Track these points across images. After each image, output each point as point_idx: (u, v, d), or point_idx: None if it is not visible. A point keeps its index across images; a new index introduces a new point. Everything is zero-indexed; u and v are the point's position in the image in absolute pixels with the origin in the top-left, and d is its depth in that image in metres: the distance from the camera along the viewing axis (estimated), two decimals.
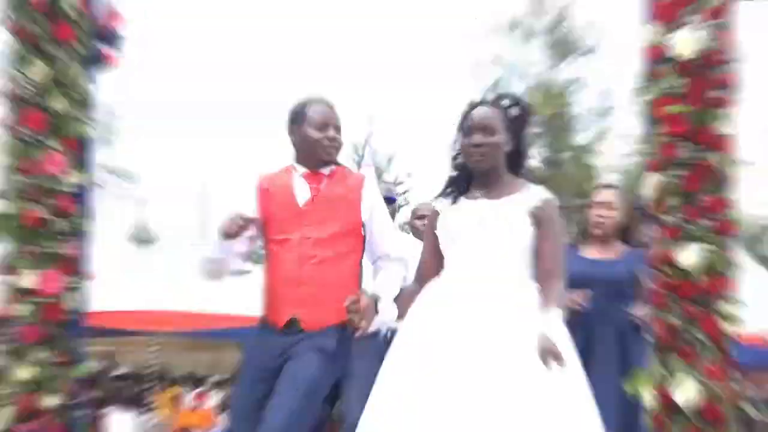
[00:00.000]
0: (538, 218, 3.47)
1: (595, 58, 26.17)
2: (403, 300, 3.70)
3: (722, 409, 3.56)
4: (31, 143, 4.01)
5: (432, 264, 3.63)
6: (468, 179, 3.61)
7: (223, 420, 12.25)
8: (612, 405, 4.01)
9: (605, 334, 4.46)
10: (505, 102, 3.60)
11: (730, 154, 3.66)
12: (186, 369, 16.24)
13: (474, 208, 3.53)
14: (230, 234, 3.64)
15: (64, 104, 4.03)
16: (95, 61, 4.20)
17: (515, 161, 3.61)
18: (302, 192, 3.81)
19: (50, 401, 3.94)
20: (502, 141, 3.51)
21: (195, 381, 15.98)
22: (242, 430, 3.71)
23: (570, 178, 24.70)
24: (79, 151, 4.09)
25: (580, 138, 26.98)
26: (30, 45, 4.03)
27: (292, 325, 3.68)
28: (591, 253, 4.71)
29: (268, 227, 3.84)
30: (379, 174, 5.48)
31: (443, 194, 3.67)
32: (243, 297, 7.61)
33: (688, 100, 3.63)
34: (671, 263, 3.63)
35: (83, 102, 4.11)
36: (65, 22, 4.05)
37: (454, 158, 3.65)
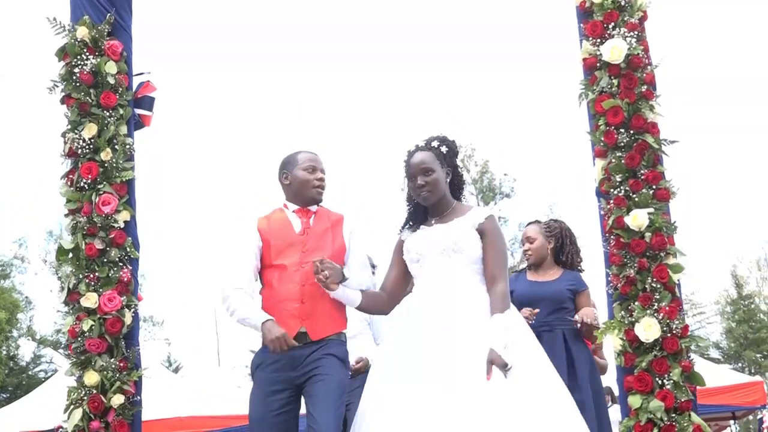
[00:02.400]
0: (482, 232, 4.12)
1: (512, 200, 35.48)
2: (367, 296, 4.26)
3: (678, 340, 4.25)
4: (87, 189, 4.79)
5: (395, 280, 4.29)
6: (425, 211, 4.28)
7: None
8: None
9: (553, 340, 5.10)
10: (435, 143, 4.24)
11: (658, 135, 4.46)
12: None
13: (430, 233, 4.19)
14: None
15: (111, 156, 4.81)
16: (133, 121, 5.02)
17: (455, 188, 4.31)
18: (296, 224, 4.32)
19: (116, 400, 4.58)
20: (440, 177, 4.17)
21: None
22: None
23: None
24: (125, 193, 4.84)
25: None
26: (82, 110, 4.85)
27: (299, 337, 4.15)
28: (534, 277, 5.47)
29: (267, 256, 4.28)
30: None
31: (405, 227, 4.33)
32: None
33: (621, 96, 4.44)
34: (623, 227, 4.36)
35: (126, 154, 4.89)
36: (109, 91, 4.88)
37: (409, 198, 4.32)
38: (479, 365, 3.74)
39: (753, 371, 34.27)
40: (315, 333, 4.18)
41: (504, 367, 3.72)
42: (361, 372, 5.59)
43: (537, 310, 5.06)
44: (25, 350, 34.38)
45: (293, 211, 4.38)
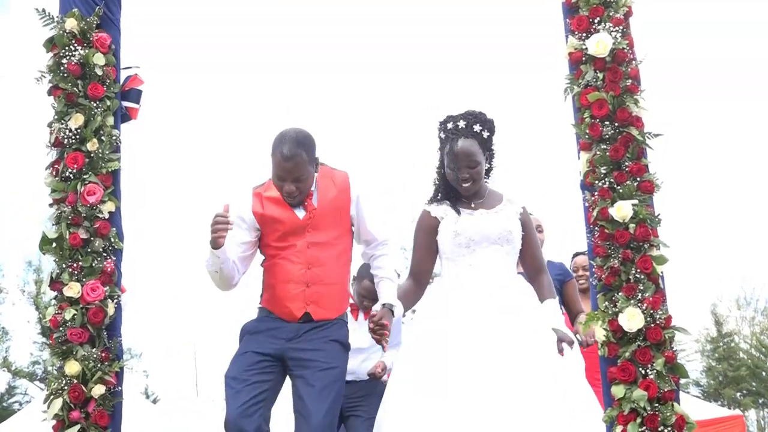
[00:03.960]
0: (523, 223, 4.18)
1: None
2: (404, 297, 4.16)
3: (662, 331, 4.26)
4: (73, 179, 4.77)
5: (425, 262, 4.21)
6: (454, 189, 4.20)
7: None
8: None
9: None
10: (477, 127, 4.12)
11: (643, 128, 4.50)
12: None
13: (480, 219, 4.12)
14: (219, 240, 3.90)
15: (97, 147, 4.81)
16: (120, 113, 5.02)
17: (488, 170, 4.28)
18: (298, 209, 4.09)
19: (97, 391, 4.54)
20: (483, 167, 4.15)
21: None
22: (236, 390, 3.93)
23: None
24: (111, 183, 4.83)
25: None
26: (69, 101, 4.85)
27: (303, 316, 4.05)
28: None
29: (267, 236, 4.13)
30: None
31: (434, 200, 4.24)
32: None
33: (606, 89, 4.49)
34: (607, 219, 4.39)
35: (113, 145, 4.89)
36: (96, 83, 4.88)
37: (440, 172, 4.22)
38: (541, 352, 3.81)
39: (733, 409, 34.29)
40: (320, 316, 4.09)
41: (572, 344, 3.82)
42: (378, 378, 5.59)
43: None
44: (0, 381, 34.02)
45: None
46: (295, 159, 3.98)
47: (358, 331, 5.54)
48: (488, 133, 4.17)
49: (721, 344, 34.81)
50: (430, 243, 4.21)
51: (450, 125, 4.16)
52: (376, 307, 4.04)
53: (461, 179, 4.11)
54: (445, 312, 4.00)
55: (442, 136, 4.19)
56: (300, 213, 4.12)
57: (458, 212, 4.17)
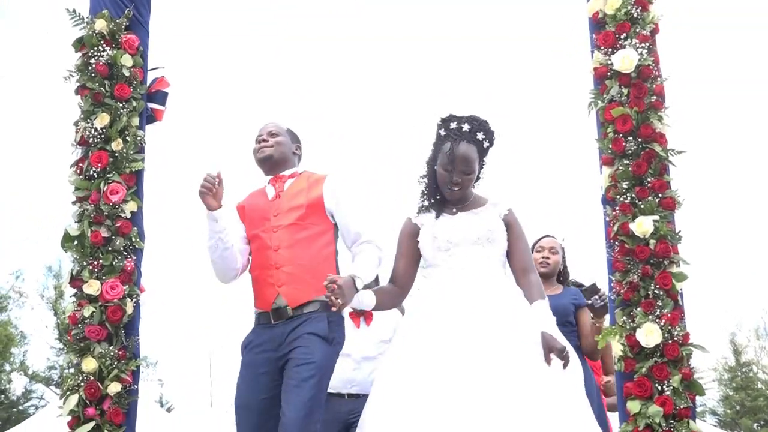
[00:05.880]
0: (508, 223, 4.07)
1: None
2: (379, 294, 4.11)
3: (679, 347, 4.23)
4: (96, 177, 4.81)
5: (407, 269, 4.14)
6: (441, 195, 4.12)
7: None
8: None
9: None
10: (480, 135, 4.03)
11: (666, 145, 4.49)
12: None
13: (459, 221, 4.05)
14: (208, 192, 4.11)
15: (122, 146, 4.85)
16: (146, 114, 5.06)
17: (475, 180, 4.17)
18: (270, 192, 4.33)
19: (113, 388, 4.56)
20: (476, 175, 4.08)
21: None
22: (247, 421, 4.05)
23: None
24: (134, 183, 4.86)
25: None
26: (95, 101, 4.90)
27: (279, 308, 4.06)
28: None
29: (246, 228, 4.32)
30: None
31: (421, 209, 4.16)
32: None
33: (630, 104, 4.49)
34: (628, 234, 4.38)
35: (137, 145, 4.92)
36: (123, 83, 4.92)
37: (431, 169, 4.11)
38: (528, 354, 3.64)
39: None
40: (293, 299, 4.07)
41: (562, 352, 3.63)
42: None
43: None
44: (17, 385, 34.17)
45: (268, 181, 4.40)
46: (272, 121, 4.50)
47: (363, 338, 5.44)
48: (488, 144, 4.10)
49: (739, 374, 34.54)
50: (412, 249, 4.14)
51: (453, 125, 4.04)
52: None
53: (453, 183, 4.01)
54: (426, 316, 3.90)
55: (443, 133, 4.07)
56: (270, 193, 4.34)
57: (437, 216, 4.11)
